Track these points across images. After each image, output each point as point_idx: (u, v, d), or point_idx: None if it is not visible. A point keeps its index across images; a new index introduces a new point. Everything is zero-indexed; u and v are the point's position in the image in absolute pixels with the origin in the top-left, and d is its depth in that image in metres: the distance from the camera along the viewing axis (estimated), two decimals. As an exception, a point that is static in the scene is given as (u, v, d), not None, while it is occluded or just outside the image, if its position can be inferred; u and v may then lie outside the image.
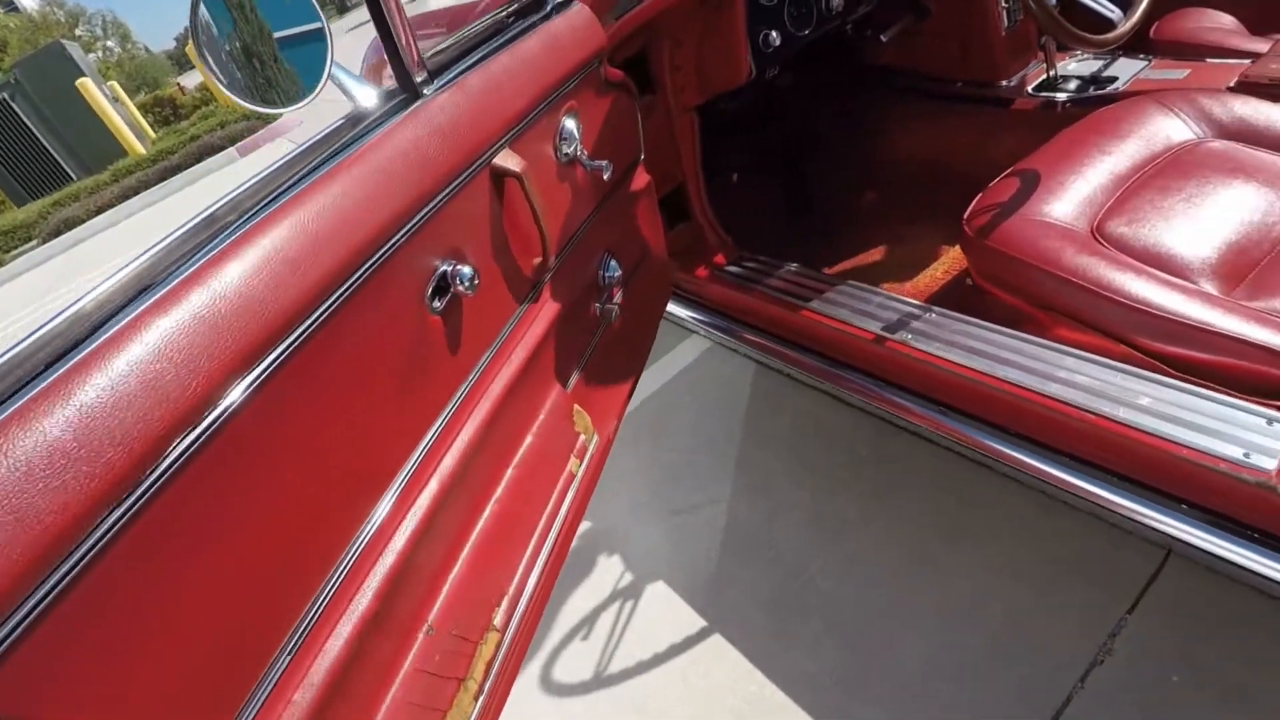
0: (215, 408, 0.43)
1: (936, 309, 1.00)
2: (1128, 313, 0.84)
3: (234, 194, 0.51)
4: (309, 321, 0.49)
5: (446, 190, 0.61)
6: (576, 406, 0.81)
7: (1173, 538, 0.76)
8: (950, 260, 1.32)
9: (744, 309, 1.24)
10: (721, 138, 1.47)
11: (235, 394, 0.44)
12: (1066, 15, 0.95)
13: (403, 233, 0.57)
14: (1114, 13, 0.99)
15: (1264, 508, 0.68)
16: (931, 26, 1.47)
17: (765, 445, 1.46)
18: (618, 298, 0.94)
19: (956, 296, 1.11)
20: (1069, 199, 1.00)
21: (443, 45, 0.69)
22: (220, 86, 0.56)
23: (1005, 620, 1.05)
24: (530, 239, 0.72)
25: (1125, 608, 1.01)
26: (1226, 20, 1.32)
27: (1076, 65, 1.38)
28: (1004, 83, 1.40)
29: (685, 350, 1.77)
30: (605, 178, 0.81)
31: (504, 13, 0.79)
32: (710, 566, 1.29)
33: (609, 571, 1.34)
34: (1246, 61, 1.18)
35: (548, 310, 0.77)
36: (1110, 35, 0.95)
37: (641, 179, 1.04)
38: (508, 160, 0.66)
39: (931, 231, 1.44)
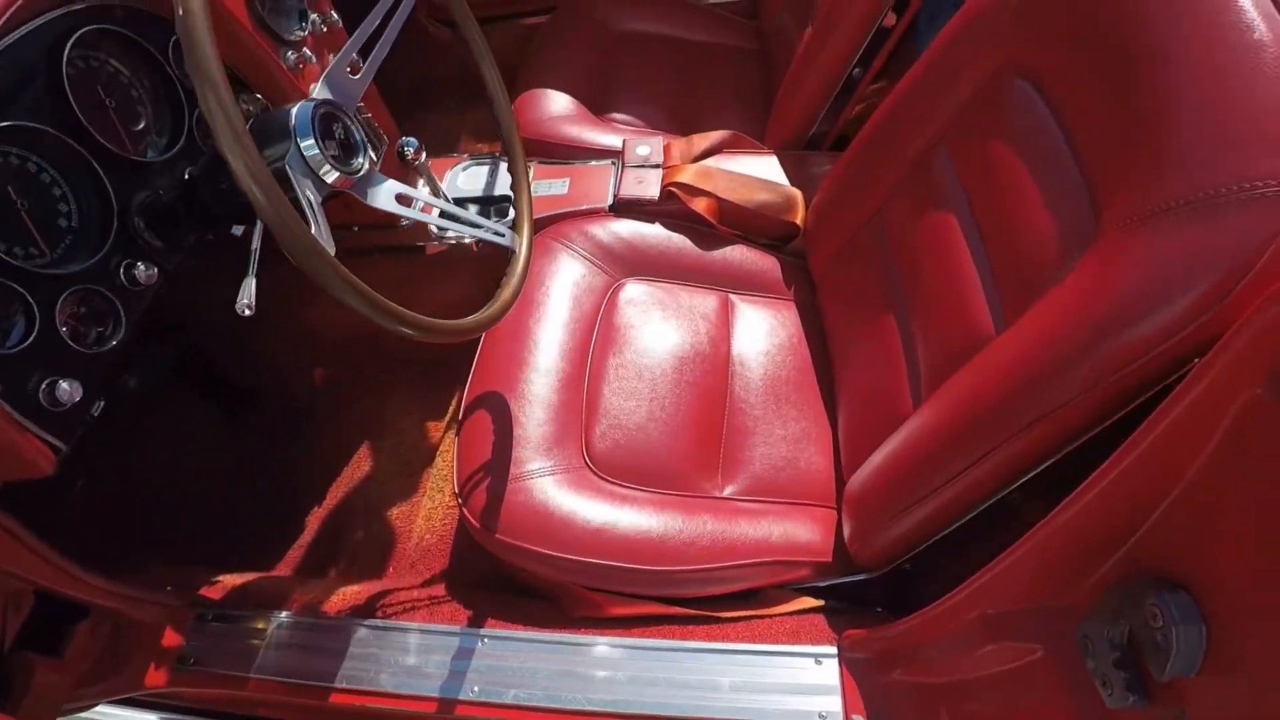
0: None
1: (487, 634, 0.85)
2: (654, 577, 0.82)
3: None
4: None
5: None
6: None
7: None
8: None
9: (246, 701, 0.90)
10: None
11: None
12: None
13: None
14: (505, 236, 0.87)
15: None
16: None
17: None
18: None
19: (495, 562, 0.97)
20: (547, 425, 0.91)
21: None
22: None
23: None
24: None
25: None
26: (567, 104, 1.34)
27: (465, 180, 1.26)
28: (404, 221, 1.21)
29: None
30: None
31: None
32: None
33: None
34: (609, 164, 1.22)
35: None
36: (472, 321, 0.75)
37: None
38: None
39: (406, 425, 1.25)
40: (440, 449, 1.19)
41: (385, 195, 0.75)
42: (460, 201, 1.22)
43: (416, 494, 1.15)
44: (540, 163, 1.24)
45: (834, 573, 0.84)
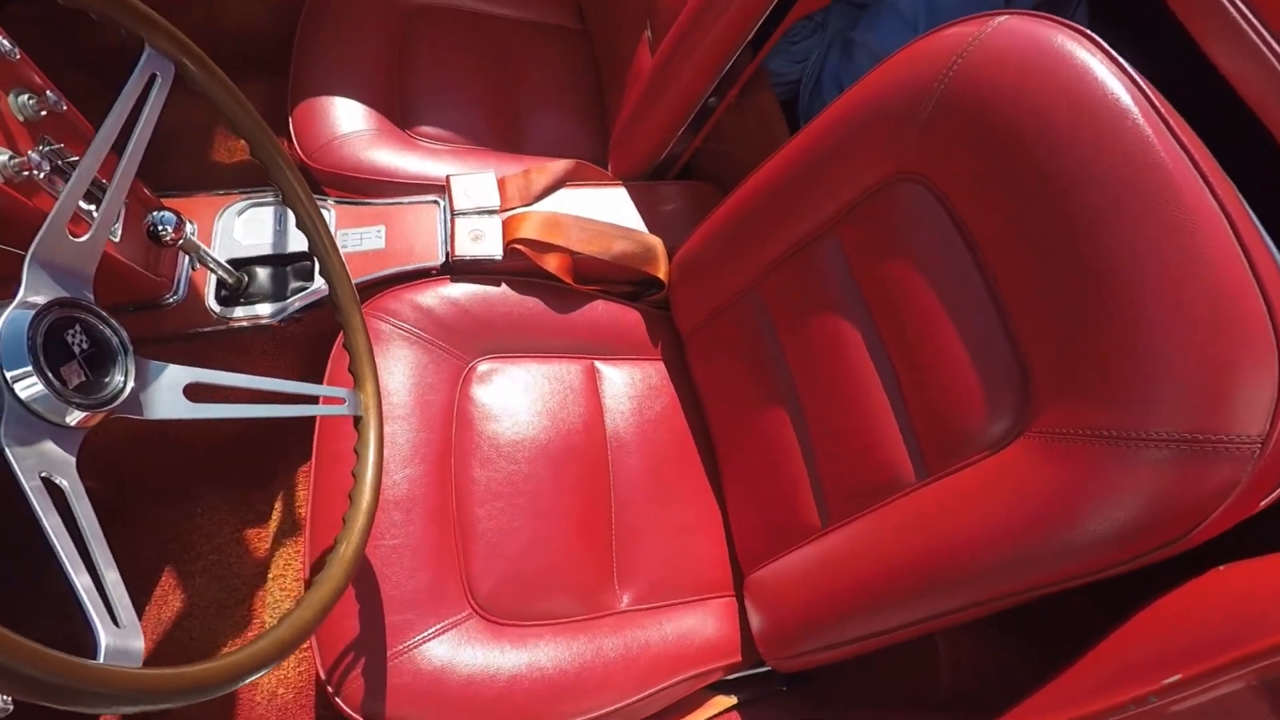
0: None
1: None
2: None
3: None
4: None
5: None
6: None
7: None
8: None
9: None
10: None
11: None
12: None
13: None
14: (346, 402, 0.68)
15: None
16: None
17: None
18: None
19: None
20: (421, 574, 0.79)
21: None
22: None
23: None
24: None
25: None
26: (362, 116, 1.08)
27: (245, 230, 0.99)
28: (170, 298, 0.94)
29: None
30: None
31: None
32: None
33: None
34: (431, 202, 1.02)
35: None
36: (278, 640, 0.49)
37: None
38: None
39: (221, 537, 1.03)
40: (272, 571, 1.01)
41: (170, 396, 0.55)
42: (242, 264, 0.97)
43: (250, 628, 0.97)
44: (341, 203, 1.01)
45: (744, 667, 0.85)
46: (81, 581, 0.39)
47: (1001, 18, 0.58)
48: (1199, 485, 0.46)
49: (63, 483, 0.43)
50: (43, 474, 0.42)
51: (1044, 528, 0.52)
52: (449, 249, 0.97)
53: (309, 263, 0.98)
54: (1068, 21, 0.55)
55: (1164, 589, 0.53)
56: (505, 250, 0.96)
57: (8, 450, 0.41)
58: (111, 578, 0.41)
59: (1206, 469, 0.45)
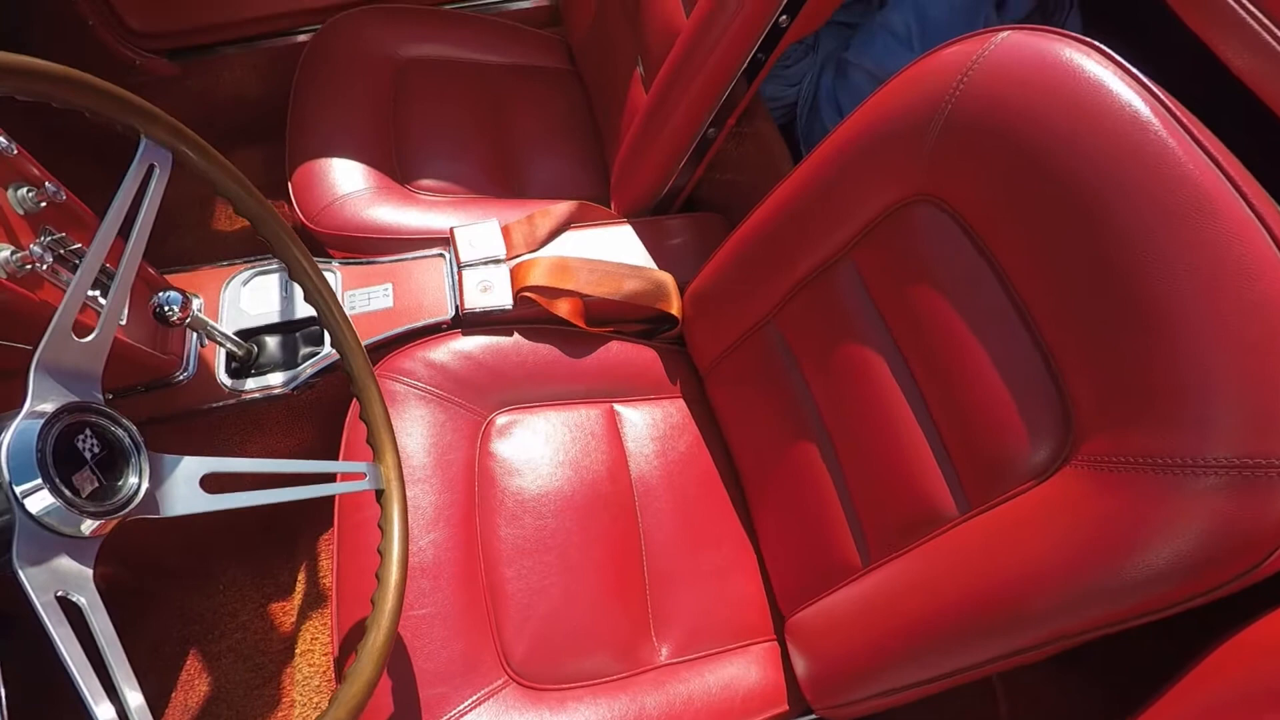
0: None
1: None
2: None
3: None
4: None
5: None
6: None
7: None
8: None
9: None
10: None
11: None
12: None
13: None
14: (366, 476, 0.66)
15: None
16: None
17: None
18: None
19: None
20: (454, 643, 0.76)
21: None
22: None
23: None
24: None
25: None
26: (361, 176, 1.08)
27: (251, 299, 0.98)
28: (180, 375, 0.93)
29: None
30: None
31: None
32: None
33: None
34: (436, 255, 1.01)
35: None
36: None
37: None
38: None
39: (245, 615, 1.01)
40: (299, 646, 0.98)
41: (186, 490, 0.52)
42: (251, 334, 0.96)
43: (281, 708, 0.95)
44: (346, 264, 1.01)
45: (792, 716, 0.82)
46: (103, 714, 0.37)
47: (1004, 34, 0.57)
48: (1265, 512, 0.43)
49: (79, 599, 0.41)
50: (58, 593, 0.40)
51: (1099, 563, 0.49)
52: (458, 302, 0.95)
53: (318, 328, 0.97)
54: (1072, 34, 0.53)
55: (1242, 618, 0.49)
56: (515, 299, 0.95)
57: (21, 573, 0.39)
58: (135, 702, 0.39)
59: (1270, 495, 0.43)
